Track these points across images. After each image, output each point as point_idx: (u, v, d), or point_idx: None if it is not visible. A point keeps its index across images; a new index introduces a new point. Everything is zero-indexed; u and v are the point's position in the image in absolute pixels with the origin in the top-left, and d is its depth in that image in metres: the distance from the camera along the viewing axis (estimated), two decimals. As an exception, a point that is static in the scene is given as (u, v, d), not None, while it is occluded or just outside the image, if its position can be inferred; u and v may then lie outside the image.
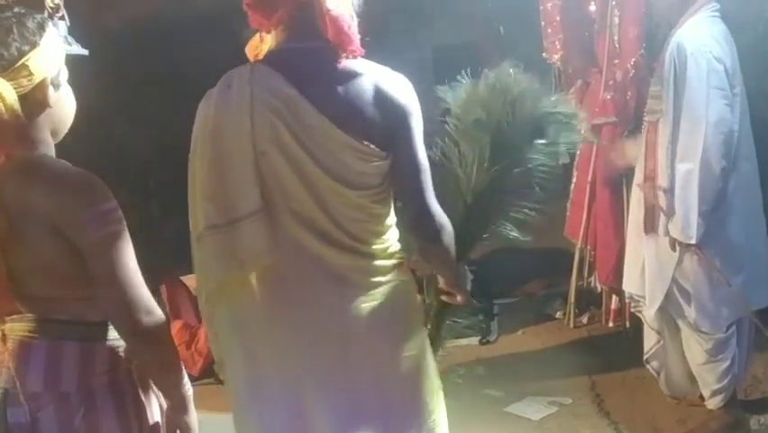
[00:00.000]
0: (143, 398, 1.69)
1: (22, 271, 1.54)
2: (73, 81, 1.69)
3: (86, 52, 2.92)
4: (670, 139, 2.77)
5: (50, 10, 2.77)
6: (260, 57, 3.12)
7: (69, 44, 2.84)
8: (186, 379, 1.68)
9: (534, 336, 4.35)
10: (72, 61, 1.74)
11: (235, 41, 2.57)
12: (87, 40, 2.75)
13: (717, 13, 2.80)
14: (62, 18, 2.81)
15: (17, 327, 1.58)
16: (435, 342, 1.97)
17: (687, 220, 2.72)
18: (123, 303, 1.54)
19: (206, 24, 3.15)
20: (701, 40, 2.71)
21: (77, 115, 1.70)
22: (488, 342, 4.32)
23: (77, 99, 1.69)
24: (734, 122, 2.71)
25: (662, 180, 2.82)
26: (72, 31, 2.88)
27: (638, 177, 3.02)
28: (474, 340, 4.34)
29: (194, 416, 1.70)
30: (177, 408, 1.68)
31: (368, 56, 1.67)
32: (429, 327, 1.97)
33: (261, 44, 3.15)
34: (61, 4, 2.79)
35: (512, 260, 5.52)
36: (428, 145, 1.75)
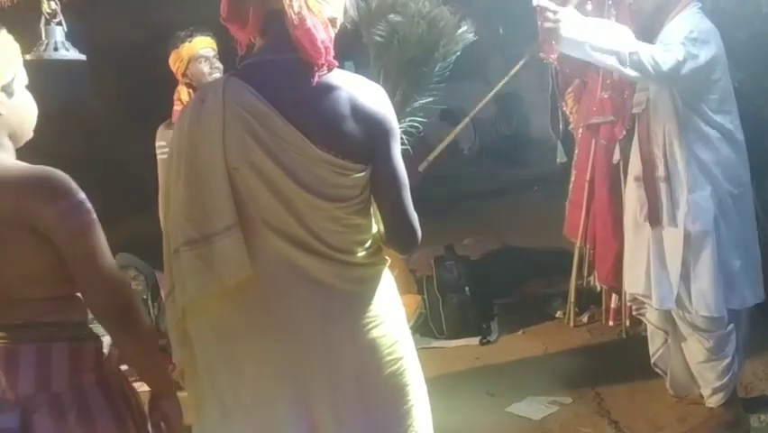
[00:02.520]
0: (130, 391, 1.71)
1: (5, 276, 1.55)
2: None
3: (83, 57, 2.93)
4: (675, 129, 2.79)
5: (48, 15, 2.78)
6: (179, 72, 3.21)
7: (67, 50, 2.85)
8: (167, 366, 1.70)
9: (534, 336, 4.35)
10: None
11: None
12: (87, 45, 2.75)
13: (701, 11, 2.82)
14: (59, 24, 2.82)
15: (1, 335, 1.58)
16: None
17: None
18: (102, 289, 1.57)
19: (210, 29, 3.17)
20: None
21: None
22: (488, 342, 4.32)
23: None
24: None
25: (661, 170, 2.83)
26: (69, 36, 2.89)
27: (633, 171, 3.02)
28: (474, 340, 4.35)
29: (177, 401, 1.70)
30: (159, 393, 1.70)
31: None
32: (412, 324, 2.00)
33: (177, 62, 3.22)
34: (58, 10, 2.80)
35: (512, 260, 5.54)
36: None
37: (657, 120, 2.82)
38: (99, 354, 1.65)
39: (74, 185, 1.55)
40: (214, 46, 3.20)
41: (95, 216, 1.57)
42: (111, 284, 1.58)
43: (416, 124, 2.13)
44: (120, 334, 1.62)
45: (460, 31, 2.09)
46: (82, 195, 1.55)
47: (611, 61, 2.69)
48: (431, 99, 2.18)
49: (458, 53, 2.15)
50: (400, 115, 2.11)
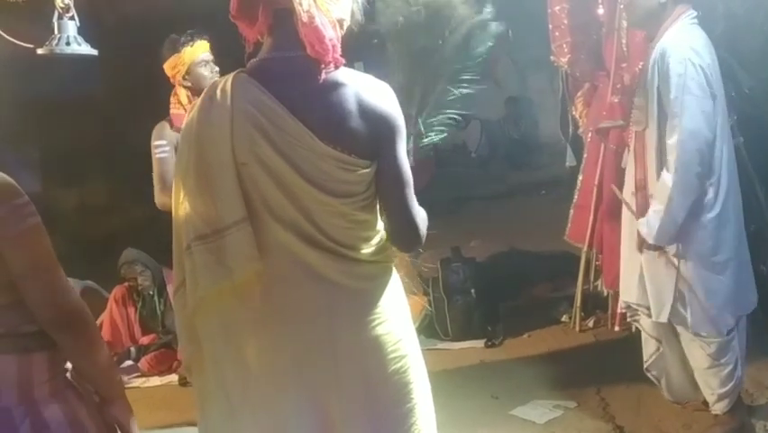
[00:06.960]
0: (91, 399, 1.66)
1: None
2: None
3: (95, 53, 2.94)
4: (656, 147, 2.79)
5: (61, 10, 2.80)
6: (178, 76, 3.20)
7: (79, 44, 2.87)
8: (115, 369, 1.65)
9: (539, 340, 4.35)
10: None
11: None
12: (98, 39, 2.75)
13: (696, 21, 2.81)
14: (72, 18, 2.83)
15: None
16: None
17: (652, 221, 2.75)
18: (46, 292, 1.51)
19: (217, 22, 3.19)
20: (682, 47, 2.72)
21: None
22: (493, 345, 4.32)
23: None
24: (712, 128, 2.71)
25: (653, 188, 2.82)
26: (82, 30, 2.90)
27: (629, 186, 3.01)
28: (480, 342, 4.35)
29: (128, 405, 1.68)
30: (108, 399, 1.66)
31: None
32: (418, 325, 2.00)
33: (179, 66, 3.21)
34: (71, 5, 2.81)
35: (518, 263, 5.54)
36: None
37: (652, 139, 2.82)
38: (54, 363, 1.59)
39: (16, 188, 1.50)
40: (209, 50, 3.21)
41: (38, 219, 1.52)
42: (55, 292, 1.52)
43: (436, 135, 2.16)
44: (65, 341, 1.57)
45: (477, 18, 2.09)
46: (25, 198, 1.51)
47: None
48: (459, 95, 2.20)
49: (487, 40, 2.16)
50: (423, 110, 2.11)
